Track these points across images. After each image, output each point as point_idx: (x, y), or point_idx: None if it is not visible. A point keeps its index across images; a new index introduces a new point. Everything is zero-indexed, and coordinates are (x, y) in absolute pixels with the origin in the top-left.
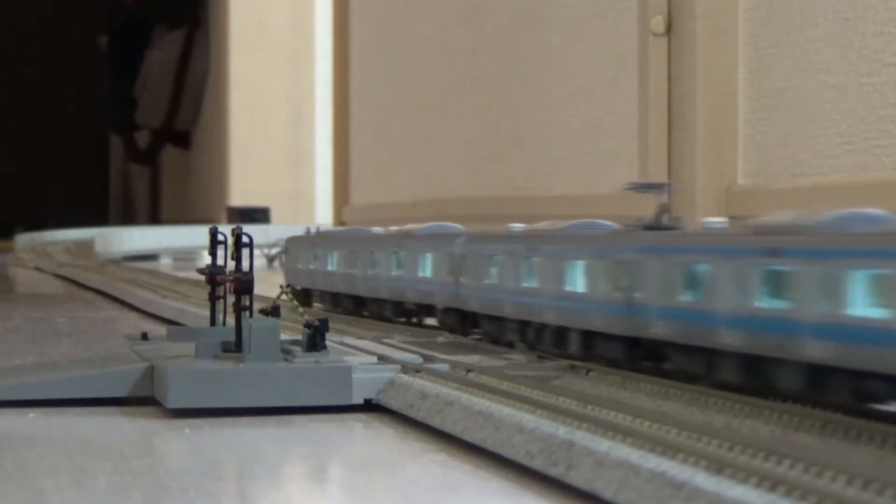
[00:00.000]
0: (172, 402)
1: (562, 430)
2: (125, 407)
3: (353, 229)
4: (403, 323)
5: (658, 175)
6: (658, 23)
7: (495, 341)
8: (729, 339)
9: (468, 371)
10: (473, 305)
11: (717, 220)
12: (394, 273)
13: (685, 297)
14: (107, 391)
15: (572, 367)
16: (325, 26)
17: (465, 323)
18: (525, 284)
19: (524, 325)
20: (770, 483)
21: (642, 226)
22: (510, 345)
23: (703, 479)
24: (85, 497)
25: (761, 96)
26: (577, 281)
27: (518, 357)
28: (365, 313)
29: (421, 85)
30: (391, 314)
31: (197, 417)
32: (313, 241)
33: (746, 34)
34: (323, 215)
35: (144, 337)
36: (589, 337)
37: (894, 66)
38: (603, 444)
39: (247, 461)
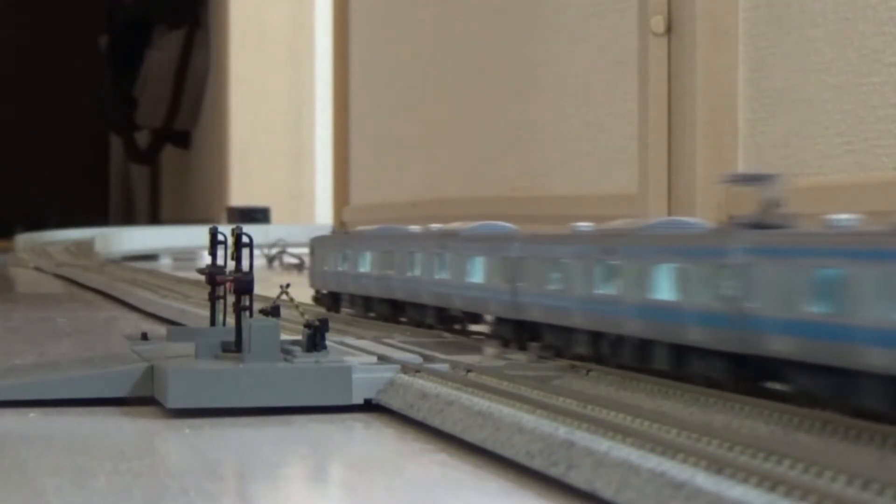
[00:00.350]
0: (172, 402)
1: (562, 430)
2: (125, 407)
3: (385, 228)
4: (447, 331)
5: (658, 175)
6: (658, 23)
7: (559, 354)
8: (876, 359)
9: (468, 371)
10: (534, 314)
11: (847, 217)
12: (437, 277)
13: (815, 308)
14: (107, 391)
15: (572, 367)
16: (325, 26)
17: (521, 334)
18: (599, 291)
19: (597, 336)
20: (770, 483)
21: (746, 223)
22: (581, 358)
23: (703, 479)
24: (85, 497)
25: (761, 96)
26: (667, 287)
27: (518, 357)
28: (402, 319)
29: (421, 85)
30: (433, 321)
31: (197, 417)
32: (342, 242)
33: (746, 34)
34: (323, 215)
35: (144, 337)
36: (681, 352)
37: (894, 66)
38: (603, 444)
39: (247, 461)
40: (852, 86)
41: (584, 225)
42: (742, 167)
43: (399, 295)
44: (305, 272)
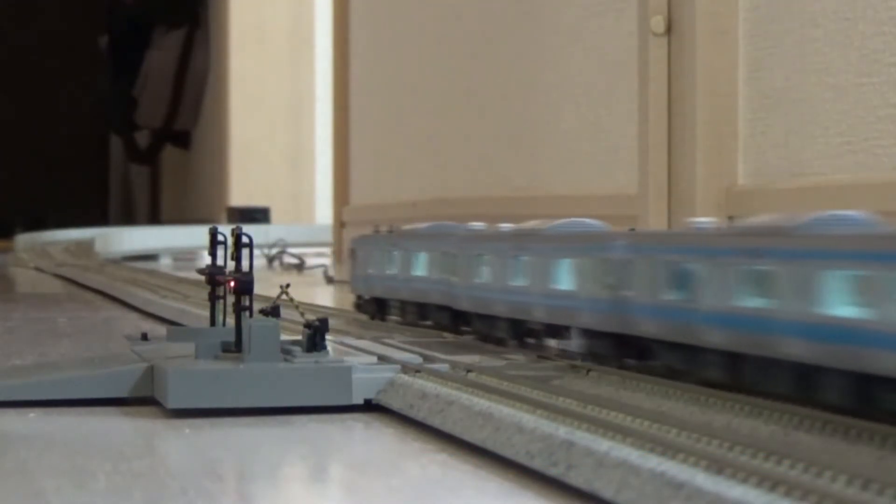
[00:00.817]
0: (172, 403)
1: (562, 430)
2: (125, 407)
3: (441, 226)
4: (524, 346)
5: (658, 175)
6: (658, 23)
7: (673, 375)
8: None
9: (468, 371)
10: (647, 329)
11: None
12: (513, 283)
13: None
14: (107, 391)
15: (572, 367)
16: (325, 26)
17: (626, 350)
18: (748, 304)
19: (735, 358)
20: (770, 483)
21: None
22: (711, 384)
23: (703, 479)
24: (85, 497)
25: (761, 96)
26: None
27: (518, 357)
28: (466, 330)
29: (421, 85)
30: (506, 334)
31: (197, 417)
32: (390, 242)
33: (746, 34)
34: (323, 215)
35: (144, 337)
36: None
37: (894, 66)
38: (603, 444)
39: (247, 461)
40: (852, 86)
41: (703, 220)
42: (742, 167)
43: (463, 304)
44: (305, 272)
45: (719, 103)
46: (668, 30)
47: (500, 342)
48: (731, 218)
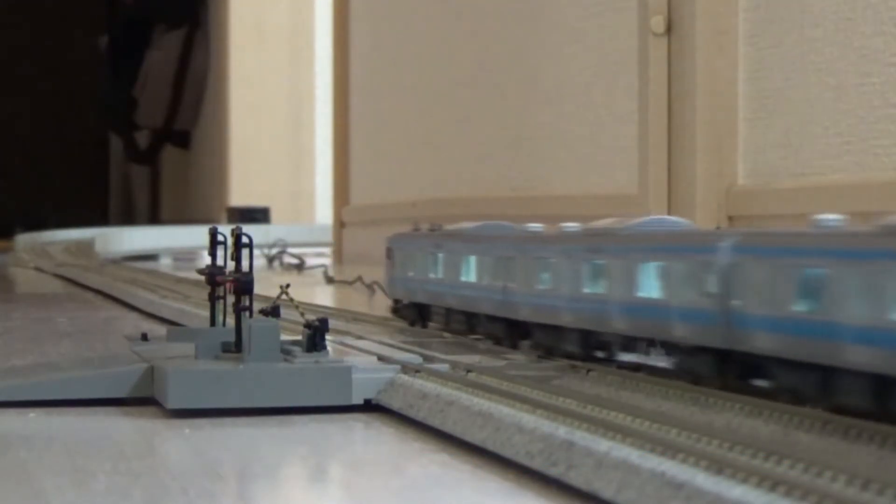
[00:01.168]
0: (172, 403)
1: (562, 431)
2: (125, 407)
3: (492, 226)
4: (595, 360)
5: (658, 175)
6: (658, 23)
7: (796, 399)
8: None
9: (468, 371)
10: (763, 345)
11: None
12: (587, 290)
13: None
14: (107, 392)
15: (572, 367)
16: (325, 26)
17: (730, 368)
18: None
19: (882, 382)
20: (770, 483)
21: None
22: (846, 411)
23: (703, 479)
24: (85, 497)
25: (761, 96)
26: None
27: (518, 357)
28: (526, 343)
29: (421, 85)
30: (575, 347)
31: (197, 417)
32: (434, 242)
33: (746, 34)
34: (323, 215)
35: (144, 337)
36: None
37: (894, 66)
38: (603, 444)
39: (247, 461)
40: (852, 86)
41: (830, 218)
42: (742, 167)
43: (522, 313)
44: (305, 272)
45: (719, 103)
46: (668, 30)
47: (570, 356)
48: (730, 218)
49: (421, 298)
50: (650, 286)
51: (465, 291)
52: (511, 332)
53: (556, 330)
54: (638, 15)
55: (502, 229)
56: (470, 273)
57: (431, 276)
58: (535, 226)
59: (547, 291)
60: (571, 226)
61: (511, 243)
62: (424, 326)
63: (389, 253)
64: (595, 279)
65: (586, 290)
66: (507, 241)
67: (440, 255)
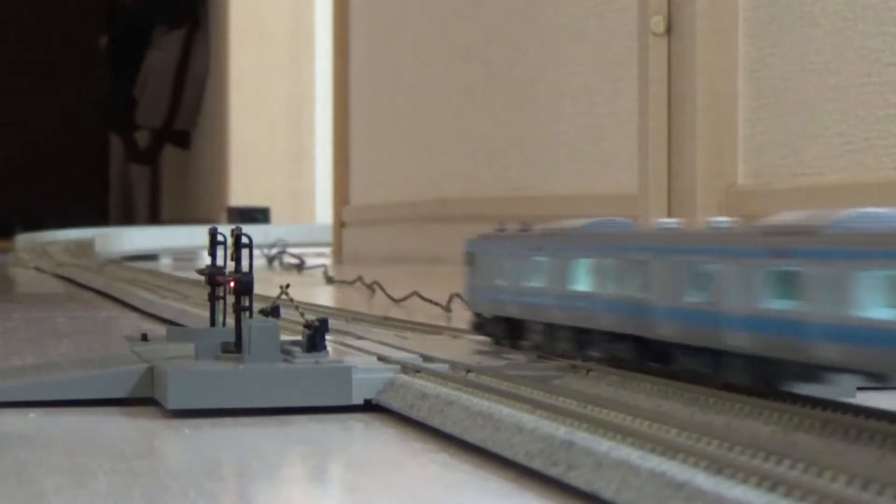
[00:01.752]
0: (172, 403)
1: (562, 431)
2: (125, 407)
3: (604, 222)
4: (773, 393)
5: (658, 175)
6: (658, 23)
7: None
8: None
9: (468, 371)
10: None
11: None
12: (769, 306)
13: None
14: (107, 392)
15: (572, 367)
16: (325, 26)
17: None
18: None
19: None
20: (770, 483)
21: None
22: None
23: (703, 479)
24: (85, 497)
25: (761, 96)
26: None
27: (518, 357)
28: (673, 368)
29: (421, 85)
30: (748, 377)
31: (197, 417)
32: (534, 244)
33: (746, 34)
34: (323, 215)
35: (144, 338)
36: None
37: (894, 66)
38: (603, 444)
39: (247, 461)
40: (852, 86)
41: None
42: (742, 167)
43: (664, 332)
44: (305, 272)
45: (719, 103)
46: (668, 30)
47: (744, 391)
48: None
49: (513, 312)
50: (867, 301)
51: (577, 303)
52: (639, 353)
53: (716, 355)
54: (638, 15)
55: (620, 226)
56: (583, 281)
57: (528, 284)
58: (669, 221)
59: (705, 306)
60: (721, 220)
61: (643, 245)
62: (514, 346)
63: (470, 258)
64: (786, 292)
65: (771, 307)
66: (635, 241)
67: (540, 260)
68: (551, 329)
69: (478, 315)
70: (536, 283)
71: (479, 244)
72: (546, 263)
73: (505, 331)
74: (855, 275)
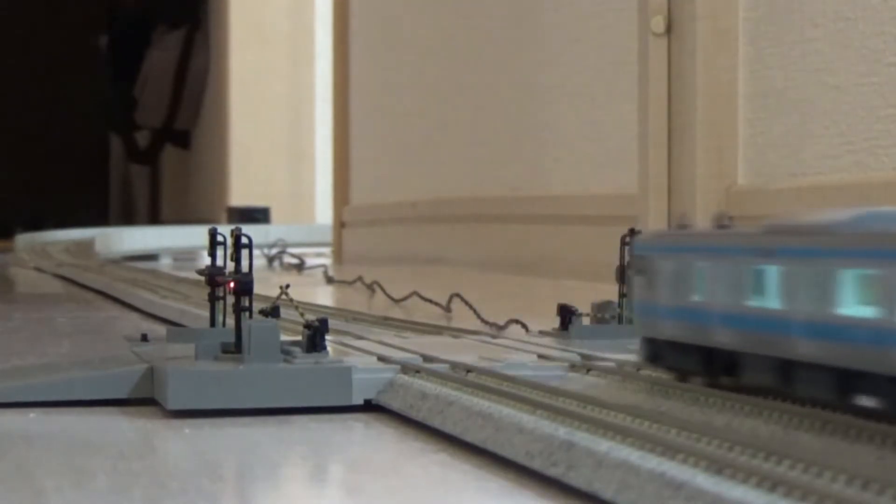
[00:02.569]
0: (173, 404)
1: (562, 431)
2: (125, 407)
3: (876, 215)
4: None
5: (658, 175)
6: (658, 23)
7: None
8: None
9: (468, 371)
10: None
11: None
12: None
13: None
14: (107, 392)
15: (572, 367)
16: (325, 26)
17: None
18: None
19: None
20: (770, 483)
21: None
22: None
23: (703, 479)
24: (85, 497)
25: (761, 96)
26: None
27: (518, 357)
28: None
29: (421, 85)
30: None
31: (197, 417)
32: (760, 246)
33: (746, 34)
34: (323, 215)
35: (144, 338)
36: None
37: (894, 66)
38: (603, 445)
39: (247, 461)
40: (852, 86)
41: None
42: (742, 167)
43: None
44: (305, 272)
45: (719, 103)
46: (668, 30)
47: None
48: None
49: (723, 340)
50: None
51: (842, 335)
52: None
53: None
54: (638, 15)
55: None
56: (854, 301)
57: (751, 304)
58: None
59: None
60: None
61: None
62: (712, 384)
63: (641, 265)
64: None
65: None
66: None
67: (766, 270)
68: (790, 368)
69: (650, 341)
70: (766, 302)
71: (656, 246)
72: (786, 274)
73: (700, 364)
74: None
